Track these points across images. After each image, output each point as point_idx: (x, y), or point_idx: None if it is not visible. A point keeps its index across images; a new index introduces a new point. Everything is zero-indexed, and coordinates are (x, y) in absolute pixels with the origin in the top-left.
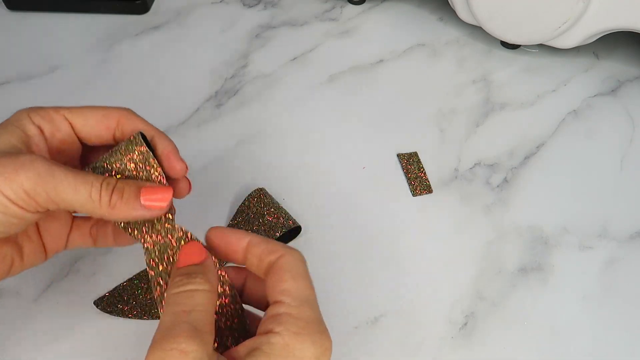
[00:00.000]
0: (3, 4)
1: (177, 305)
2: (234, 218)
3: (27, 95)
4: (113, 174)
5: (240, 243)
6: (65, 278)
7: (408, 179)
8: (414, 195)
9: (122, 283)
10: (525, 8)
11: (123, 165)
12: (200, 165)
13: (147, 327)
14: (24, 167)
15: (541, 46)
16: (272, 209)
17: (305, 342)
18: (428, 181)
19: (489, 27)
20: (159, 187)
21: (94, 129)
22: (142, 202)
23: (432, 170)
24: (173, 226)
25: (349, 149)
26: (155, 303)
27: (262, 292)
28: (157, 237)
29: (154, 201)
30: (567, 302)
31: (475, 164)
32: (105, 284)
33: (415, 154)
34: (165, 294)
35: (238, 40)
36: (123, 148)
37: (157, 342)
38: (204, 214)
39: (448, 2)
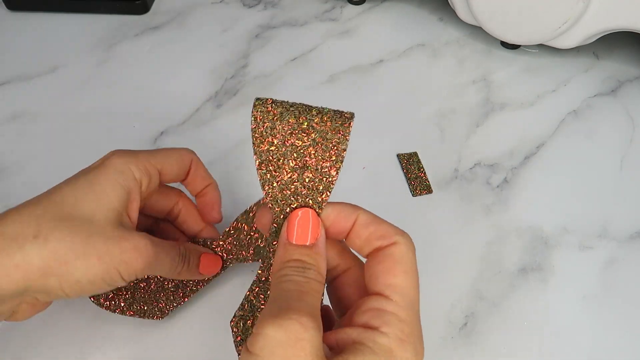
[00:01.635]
0: (3, 4)
1: (294, 284)
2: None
3: (27, 95)
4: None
5: (346, 222)
6: None
7: (408, 179)
8: (414, 195)
9: None
10: (525, 8)
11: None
12: None
13: (147, 328)
14: (141, 255)
15: (541, 46)
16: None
17: (408, 351)
18: (428, 181)
19: (489, 27)
20: (214, 262)
21: (176, 174)
22: (200, 270)
23: (432, 170)
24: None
25: (349, 149)
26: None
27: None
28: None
29: (208, 272)
30: (567, 302)
31: (475, 164)
32: None
33: (415, 154)
34: (272, 266)
35: (238, 40)
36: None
37: (276, 312)
38: None
39: (448, 2)
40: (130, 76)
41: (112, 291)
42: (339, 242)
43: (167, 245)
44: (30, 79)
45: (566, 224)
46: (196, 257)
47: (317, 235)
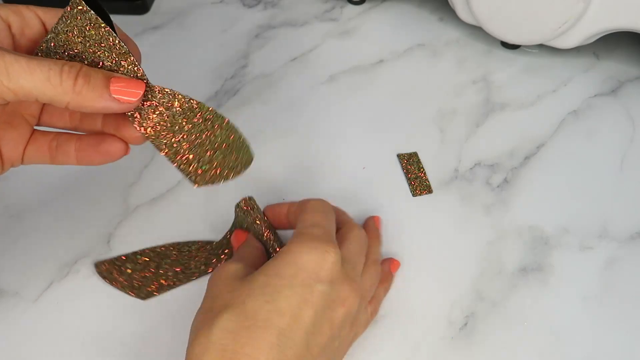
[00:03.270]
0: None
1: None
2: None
3: None
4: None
5: (282, 211)
6: (65, 278)
7: (408, 179)
8: (414, 195)
9: (127, 253)
10: (525, 8)
11: (84, 48)
12: None
13: (147, 329)
14: None
15: (541, 46)
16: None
17: (304, 248)
18: (428, 181)
19: (489, 27)
20: (131, 79)
21: None
22: (111, 92)
23: (432, 170)
24: (172, 93)
25: (349, 149)
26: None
27: None
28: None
29: (124, 94)
30: (567, 302)
31: (475, 164)
32: (105, 285)
33: (415, 154)
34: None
35: (238, 40)
36: (77, 30)
37: None
38: (205, 213)
39: (448, 2)
40: None
41: (113, 263)
42: (343, 212)
43: (41, 57)
44: None
45: (566, 224)
46: (103, 75)
47: (246, 236)
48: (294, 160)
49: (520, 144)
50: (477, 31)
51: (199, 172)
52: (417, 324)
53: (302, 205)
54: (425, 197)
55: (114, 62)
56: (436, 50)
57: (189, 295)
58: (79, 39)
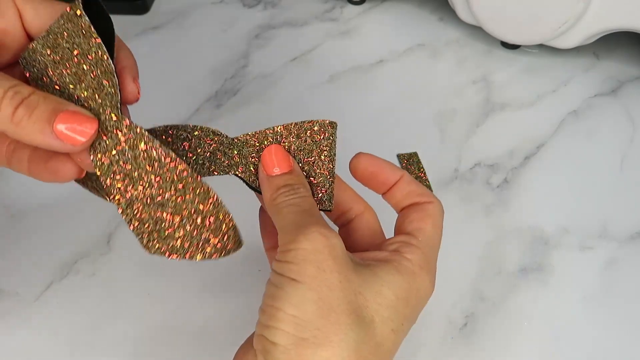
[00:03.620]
0: None
1: (295, 206)
2: None
3: None
4: (50, 74)
5: (392, 176)
6: (65, 278)
7: None
8: None
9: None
10: (525, 8)
11: (70, 56)
12: None
13: (146, 329)
14: None
15: (541, 46)
16: None
17: (426, 278)
18: (428, 181)
19: (489, 27)
20: (83, 116)
21: (48, 22)
22: (55, 128)
23: (432, 170)
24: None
25: (349, 149)
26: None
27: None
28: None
29: (71, 131)
30: (567, 302)
31: (475, 164)
32: (105, 284)
33: (415, 154)
34: (267, 200)
35: (238, 40)
36: (66, 34)
37: (296, 230)
38: None
39: (448, 2)
40: None
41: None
42: (350, 188)
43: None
44: None
45: (566, 224)
46: (51, 107)
47: (292, 163)
48: None
49: (520, 144)
50: (477, 31)
51: (155, 235)
52: (417, 324)
53: (428, 207)
54: None
55: (95, 78)
56: (436, 50)
57: (188, 294)
58: (67, 45)
